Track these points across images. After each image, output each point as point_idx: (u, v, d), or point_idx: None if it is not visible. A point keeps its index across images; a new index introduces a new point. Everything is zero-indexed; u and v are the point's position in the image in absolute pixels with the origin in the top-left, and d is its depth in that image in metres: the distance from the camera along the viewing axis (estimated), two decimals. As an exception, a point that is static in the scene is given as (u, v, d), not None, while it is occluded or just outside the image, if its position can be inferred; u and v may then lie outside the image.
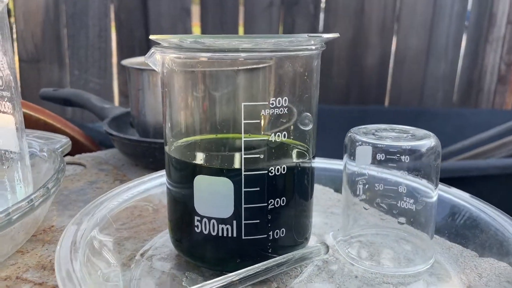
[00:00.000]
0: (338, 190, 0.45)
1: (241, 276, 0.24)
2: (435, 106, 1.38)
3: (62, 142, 0.45)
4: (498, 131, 1.10)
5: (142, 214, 0.38)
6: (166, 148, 0.30)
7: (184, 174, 0.28)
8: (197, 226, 0.28)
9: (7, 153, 0.35)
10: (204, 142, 0.29)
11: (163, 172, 0.39)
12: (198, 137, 0.30)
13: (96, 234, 0.31)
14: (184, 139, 0.30)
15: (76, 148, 0.64)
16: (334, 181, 0.45)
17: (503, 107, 1.42)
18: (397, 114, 1.28)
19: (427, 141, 0.30)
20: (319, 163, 0.44)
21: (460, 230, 0.35)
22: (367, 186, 0.33)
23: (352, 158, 0.32)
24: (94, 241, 0.31)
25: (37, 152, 0.43)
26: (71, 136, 0.62)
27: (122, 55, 1.17)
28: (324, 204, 0.42)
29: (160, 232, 0.36)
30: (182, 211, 0.29)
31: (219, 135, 0.29)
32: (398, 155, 0.31)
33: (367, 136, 0.31)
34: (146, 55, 0.29)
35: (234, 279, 0.24)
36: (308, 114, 0.29)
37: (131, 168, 0.54)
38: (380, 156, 0.31)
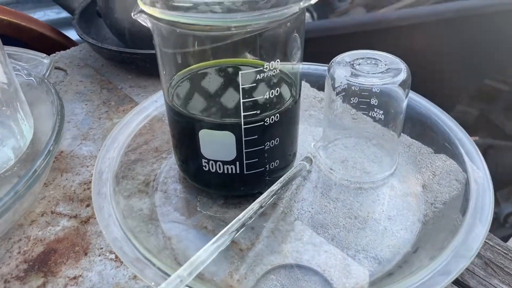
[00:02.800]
0: (312, 84, 0.50)
1: (250, 214, 0.30)
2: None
3: (45, 63, 0.45)
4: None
5: (141, 133, 0.42)
6: (166, 98, 0.33)
7: (189, 127, 0.32)
8: (205, 166, 0.33)
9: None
10: (202, 97, 0.32)
11: (155, 97, 0.42)
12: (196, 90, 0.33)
13: (115, 168, 0.36)
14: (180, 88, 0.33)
15: (47, 44, 0.63)
16: (307, 75, 0.49)
17: None
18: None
19: (400, 76, 0.33)
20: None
21: (420, 132, 0.41)
22: (344, 102, 0.37)
23: (332, 81, 0.36)
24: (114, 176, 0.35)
25: (24, 77, 0.44)
26: (40, 33, 0.61)
27: None
28: (302, 103, 0.47)
29: (163, 152, 0.41)
30: (189, 152, 0.34)
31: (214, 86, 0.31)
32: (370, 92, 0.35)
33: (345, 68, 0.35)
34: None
35: (245, 219, 0.30)
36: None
37: (113, 71, 0.55)
38: (355, 88, 0.36)
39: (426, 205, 0.35)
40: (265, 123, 0.31)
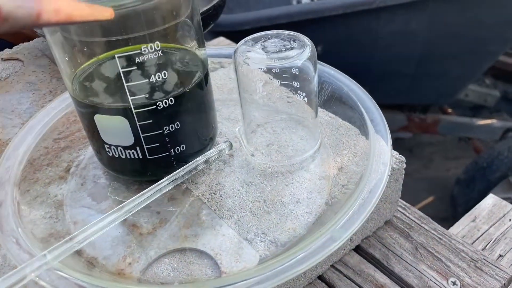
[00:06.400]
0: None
1: (152, 192, 0.30)
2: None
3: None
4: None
5: (77, 120, 0.43)
6: (70, 90, 0.33)
7: (86, 112, 0.32)
8: (108, 151, 0.33)
9: None
10: (93, 84, 0.32)
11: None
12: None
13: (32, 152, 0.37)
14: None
15: (15, 35, 0.64)
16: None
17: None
18: None
19: (305, 53, 0.32)
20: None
21: (342, 109, 0.40)
22: (258, 86, 0.36)
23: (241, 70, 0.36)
24: (30, 163, 0.36)
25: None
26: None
27: None
28: (222, 93, 0.46)
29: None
30: (93, 138, 0.34)
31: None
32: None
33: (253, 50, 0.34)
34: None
35: (146, 197, 0.30)
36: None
37: (67, 60, 0.56)
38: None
39: (337, 187, 0.34)
40: (158, 107, 0.31)
